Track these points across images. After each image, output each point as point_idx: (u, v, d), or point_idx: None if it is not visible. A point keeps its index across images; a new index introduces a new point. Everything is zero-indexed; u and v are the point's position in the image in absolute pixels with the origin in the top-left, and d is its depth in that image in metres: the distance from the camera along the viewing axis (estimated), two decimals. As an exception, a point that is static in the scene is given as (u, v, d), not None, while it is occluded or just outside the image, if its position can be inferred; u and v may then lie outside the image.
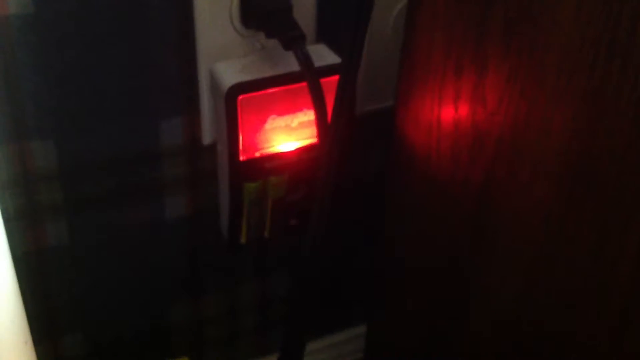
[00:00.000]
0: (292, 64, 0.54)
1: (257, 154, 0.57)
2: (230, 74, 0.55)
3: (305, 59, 0.52)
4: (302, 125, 0.58)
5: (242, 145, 0.56)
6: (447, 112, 0.55)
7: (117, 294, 0.67)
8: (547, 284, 0.51)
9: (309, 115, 0.57)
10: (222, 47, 0.56)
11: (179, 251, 0.67)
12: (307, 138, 0.59)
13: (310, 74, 0.52)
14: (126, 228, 0.63)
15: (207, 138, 0.61)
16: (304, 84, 0.54)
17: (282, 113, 0.56)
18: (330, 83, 0.54)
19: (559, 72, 0.45)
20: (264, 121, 0.56)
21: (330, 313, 0.81)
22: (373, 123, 0.68)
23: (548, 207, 0.49)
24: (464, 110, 0.53)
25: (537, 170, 0.49)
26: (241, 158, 0.57)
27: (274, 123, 0.57)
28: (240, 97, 0.54)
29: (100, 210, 0.61)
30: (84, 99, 0.55)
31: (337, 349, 0.82)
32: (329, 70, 0.56)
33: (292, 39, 0.53)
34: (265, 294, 0.74)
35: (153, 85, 0.57)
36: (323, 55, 0.58)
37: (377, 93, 0.67)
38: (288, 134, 0.58)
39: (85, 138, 0.57)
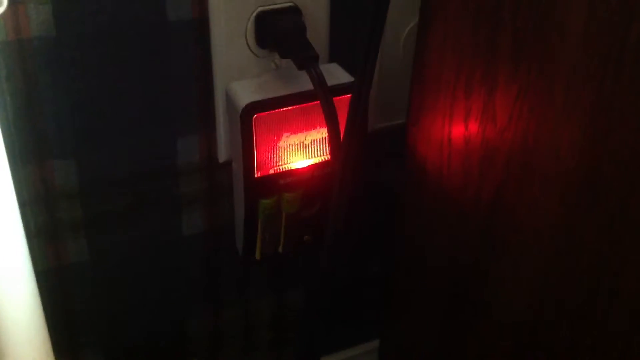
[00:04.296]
0: (305, 83, 0.55)
1: (272, 171, 0.58)
2: (245, 93, 0.56)
3: (318, 79, 0.53)
4: (315, 142, 0.59)
5: (257, 162, 0.57)
6: (458, 129, 0.56)
7: (136, 309, 0.68)
8: (557, 295, 0.52)
9: (322, 133, 0.58)
10: (238, 67, 0.58)
11: (195, 267, 0.68)
12: (320, 155, 0.60)
13: (324, 93, 0.53)
14: (144, 244, 0.64)
15: (222, 156, 0.62)
16: (316, 102, 0.55)
17: (295, 131, 0.57)
18: (342, 101, 0.55)
19: (567, 89, 0.46)
20: (278, 139, 0.57)
21: (343, 328, 0.81)
22: (384, 140, 0.69)
23: (558, 222, 0.50)
24: (474, 127, 0.54)
25: (547, 186, 0.50)
26: (256, 175, 0.58)
27: (288, 141, 0.58)
28: (255, 115, 0.55)
29: (119, 227, 0.62)
30: (104, 118, 0.57)
31: (351, 363, 0.83)
32: (341, 89, 0.57)
33: (306, 59, 0.54)
34: (279, 310, 0.75)
35: (170, 105, 0.59)
36: (336, 74, 0.59)
37: (389, 111, 0.68)
38: (301, 151, 0.59)
39: (104, 157, 0.58)
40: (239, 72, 0.58)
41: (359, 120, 0.53)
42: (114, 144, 0.58)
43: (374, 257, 0.78)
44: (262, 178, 0.58)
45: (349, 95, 0.52)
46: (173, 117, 0.59)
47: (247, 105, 0.55)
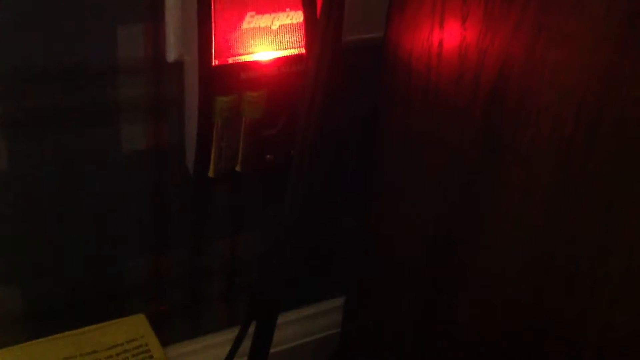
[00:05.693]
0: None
1: (232, 60, 0.50)
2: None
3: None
4: (283, 28, 0.51)
5: (216, 47, 0.49)
6: (451, 27, 0.49)
7: (61, 241, 0.58)
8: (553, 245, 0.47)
9: (292, 18, 0.51)
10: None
11: (135, 190, 0.59)
12: (288, 46, 0.52)
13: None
14: (73, 159, 0.55)
15: (172, 54, 0.54)
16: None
17: (262, 11, 0.50)
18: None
19: None
20: (241, 19, 0.49)
21: (305, 282, 0.74)
22: (356, 57, 0.61)
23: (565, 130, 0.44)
24: (472, 28, 0.47)
25: (554, 85, 0.43)
26: (213, 63, 0.50)
27: (253, 22, 0.50)
28: (215, -17, 0.47)
29: (43, 134, 0.53)
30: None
31: (312, 322, 0.75)
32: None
33: None
34: (235, 249, 0.66)
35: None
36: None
37: (361, 23, 0.60)
38: (267, 38, 0.51)
39: (27, 40, 0.49)
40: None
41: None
42: (39, 25, 0.49)
43: (343, 209, 0.70)
44: (220, 68, 0.50)
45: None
46: None
47: (206, -30, 0.46)
